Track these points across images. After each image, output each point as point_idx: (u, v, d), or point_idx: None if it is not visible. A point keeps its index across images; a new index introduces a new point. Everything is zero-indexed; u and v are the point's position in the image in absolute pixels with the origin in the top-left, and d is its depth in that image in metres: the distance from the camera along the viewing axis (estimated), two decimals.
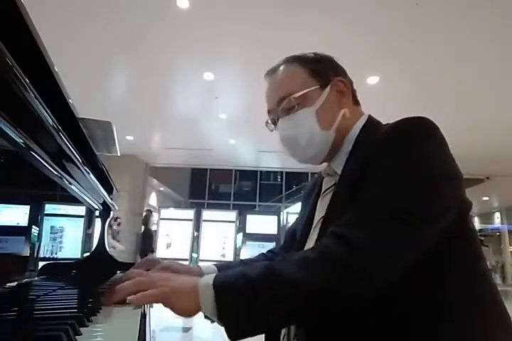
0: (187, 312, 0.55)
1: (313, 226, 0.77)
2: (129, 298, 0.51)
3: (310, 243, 0.75)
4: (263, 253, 1.00)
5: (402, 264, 0.56)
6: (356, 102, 0.82)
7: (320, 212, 0.76)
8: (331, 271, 0.54)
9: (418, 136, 0.61)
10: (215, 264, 0.88)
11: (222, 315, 0.53)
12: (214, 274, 0.58)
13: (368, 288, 0.54)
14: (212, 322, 0.56)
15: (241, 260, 0.96)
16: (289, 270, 0.56)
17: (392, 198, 0.57)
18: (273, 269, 0.57)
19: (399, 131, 0.64)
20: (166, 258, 0.89)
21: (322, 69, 0.78)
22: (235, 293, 0.55)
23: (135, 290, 0.53)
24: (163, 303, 0.54)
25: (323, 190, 0.80)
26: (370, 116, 0.78)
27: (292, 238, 0.89)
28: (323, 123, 0.75)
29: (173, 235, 8.56)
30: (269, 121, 0.83)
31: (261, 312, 0.54)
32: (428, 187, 0.58)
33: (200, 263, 7.94)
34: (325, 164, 0.82)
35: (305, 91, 0.75)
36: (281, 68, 0.80)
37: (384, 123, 0.73)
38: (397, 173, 0.59)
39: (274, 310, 0.54)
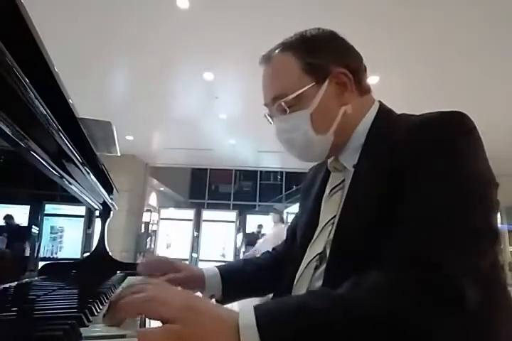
0: None
1: (319, 227, 0.70)
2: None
3: (319, 244, 0.68)
4: (268, 252, 0.96)
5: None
6: (364, 90, 0.73)
7: (328, 212, 0.70)
8: (428, 301, 0.46)
9: (456, 137, 0.55)
10: (217, 266, 0.84)
11: None
12: (252, 310, 0.43)
13: (464, 311, 0.48)
14: None
15: (244, 260, 0.94)
16: (372, 301, 0.46)
17: (462, 214, 0.51)
18: (345, 300, 0.47)
19: (435, 130, 0.56)
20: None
21: (320, 61, 0.68)
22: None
23: (144, 311, 0.42)
24: None
25: (331, 187, 0.73)
26: (381, 105, 0.72)
27: (293, 235, 0.84)
28: (318, 127, 0.67)
29: (173, 235, 8.57)
30: (267, 115, 0.76)
31: None
32: (484, 197, 0.54)
33: (200, 264, 7.96)
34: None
35: (298, 92, 0.66)
36: (275, 57, 0.72)
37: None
38: (447, 184, 0.53)
39: None
